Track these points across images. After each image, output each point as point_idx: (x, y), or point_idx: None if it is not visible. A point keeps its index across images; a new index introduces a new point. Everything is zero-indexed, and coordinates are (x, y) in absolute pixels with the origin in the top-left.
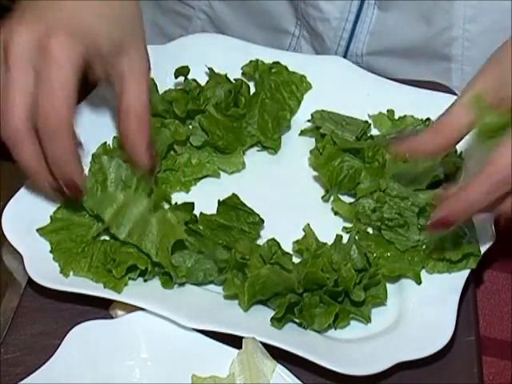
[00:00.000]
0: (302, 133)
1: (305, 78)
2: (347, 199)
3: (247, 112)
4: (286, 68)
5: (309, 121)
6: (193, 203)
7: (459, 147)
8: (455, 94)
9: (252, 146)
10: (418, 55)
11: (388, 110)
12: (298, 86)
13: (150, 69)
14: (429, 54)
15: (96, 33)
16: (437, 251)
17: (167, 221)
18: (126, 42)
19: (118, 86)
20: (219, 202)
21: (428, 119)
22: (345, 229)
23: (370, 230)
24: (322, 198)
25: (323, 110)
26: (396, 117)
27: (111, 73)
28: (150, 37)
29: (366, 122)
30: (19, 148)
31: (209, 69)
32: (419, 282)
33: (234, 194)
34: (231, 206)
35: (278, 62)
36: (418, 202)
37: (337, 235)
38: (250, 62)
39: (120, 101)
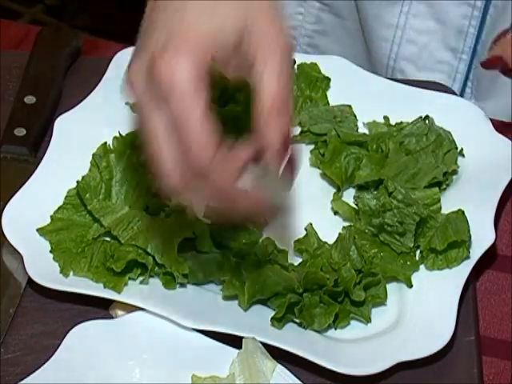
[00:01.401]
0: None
1: (321, 75)
2: (351, 192)
3: (245, 109)
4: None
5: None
6: None
7: (459, 143)
8: (456, 94)
9: None
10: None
11: (384, 117)
12: (318, 83)
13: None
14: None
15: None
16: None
17: (177, 224)
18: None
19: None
20: None
21: (427, 117)
22: (344, 229)
23: (366, 230)
24: (335, 195)
25: (308, 110)
26: (392, 122)
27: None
28: None
29: (349, 106)
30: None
31: None
32: (410, 286)
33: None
34: None
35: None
36: (421, 211)
37: (339, 234)
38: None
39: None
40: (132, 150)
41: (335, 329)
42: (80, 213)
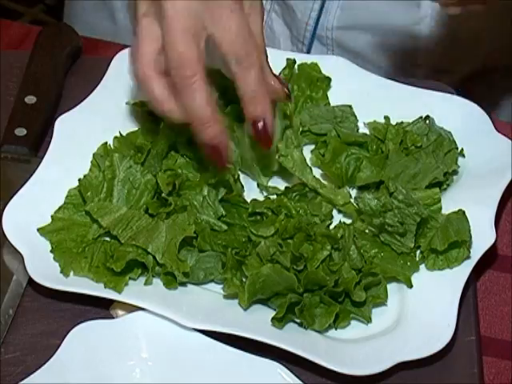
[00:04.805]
0: None
1: (322, 75)
2: (351, 192)
3: None
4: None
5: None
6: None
7: (460, 143)
8: (457, 94)
9: None
10: (387, 32)
11: (384, 117)
12: (318, 83)
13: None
14: (398, 31)
15: None
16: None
17: (177, 224)
18: None
19: None
20: (220, 200)
21: (428, 117)
22: (345, 227)
23: (366, 230)
24: None
25: (308, 109)
26: (393, 122)
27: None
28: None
29: (350, 106)
30: (148, 89)
31: None
32: (410, 286)
33: (236, 192)
34: (232, 203)
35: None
36: (421, 211)
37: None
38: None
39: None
40: (134, 150)
41: (336, 329)
42: (81, 212)
